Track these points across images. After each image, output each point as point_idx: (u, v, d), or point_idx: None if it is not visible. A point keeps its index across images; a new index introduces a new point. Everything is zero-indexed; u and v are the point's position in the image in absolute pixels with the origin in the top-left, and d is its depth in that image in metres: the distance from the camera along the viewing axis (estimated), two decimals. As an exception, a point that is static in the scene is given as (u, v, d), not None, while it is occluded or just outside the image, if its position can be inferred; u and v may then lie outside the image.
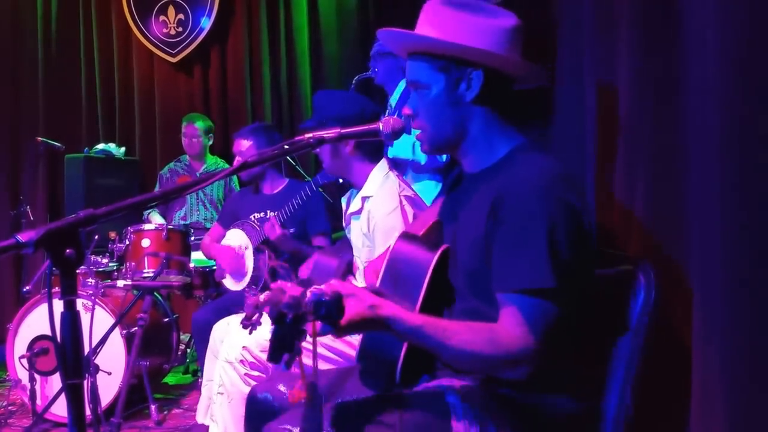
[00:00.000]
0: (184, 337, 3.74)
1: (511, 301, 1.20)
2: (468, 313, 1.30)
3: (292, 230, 2.83)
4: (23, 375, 3.02)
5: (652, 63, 1.45)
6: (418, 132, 1.43)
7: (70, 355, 1.03)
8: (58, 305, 1.07)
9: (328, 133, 1.35)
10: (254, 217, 3.06)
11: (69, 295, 1.05)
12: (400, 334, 1.21)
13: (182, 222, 3.96)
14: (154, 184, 4.34)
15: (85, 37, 4.79)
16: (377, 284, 1.35)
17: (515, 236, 1.21)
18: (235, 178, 4.06)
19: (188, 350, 3.81)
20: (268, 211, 3.04)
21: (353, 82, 3.53)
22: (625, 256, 1.47)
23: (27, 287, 3.35)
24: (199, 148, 4.13)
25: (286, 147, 1.35)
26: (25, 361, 2.98)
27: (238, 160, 3.07)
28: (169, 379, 3.67)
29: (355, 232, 2.04)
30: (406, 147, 3.13)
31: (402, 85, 3.41)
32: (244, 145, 3.10)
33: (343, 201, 2.16)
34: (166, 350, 3.35)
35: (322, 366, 1.99)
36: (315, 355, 1.17)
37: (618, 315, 1.32)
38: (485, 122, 1.35)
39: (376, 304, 1.17)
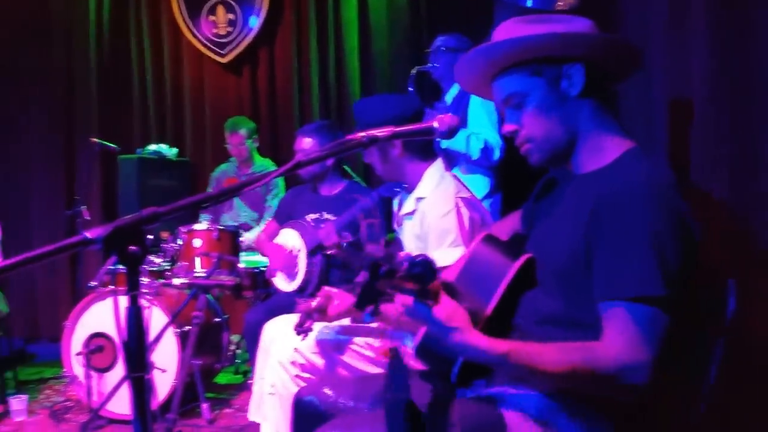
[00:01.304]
0: (234, 338, 3.84)
1: (619, 309, 1.17)
2: (553, 319, 1.29)
3: (348, 237, 2.82)
4: (79, 372, 3.18)
5: (728, 62, 1.43)
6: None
7: (133, 349, 1.09)
8: (117, 301, 1.12)
9: (381, 132, 1.34)
10: (310, 217, 3.08)
11: (133, 291, 1.11)
12: (484, 361, 1.22)
13: (231, 223, 4.07)
14: (205, 185, 4.46)
15: (136, 39, 4.97)
16: (453, 280, 1.35)
17: (623, 243, 1.19)
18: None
19: (238, 351, 3.91)
20: (324, 213, 3.06)
21: (413, 72, 3.55)
22: (711, 261, 1.45)
23: (93, 282, 3.49)
24: (246, 153, 4.19)
25: (338, 147, 1.36)
26: (81, 358, 3.14)
27: (298, 157, 3.09)
28: (220, 379, 3.78)
29: (408, 233, 2.04)
30: (459, 139, 3.16)
31: (457, 85, 3.44)
32: (306, 142, 3.11)
33: (396, 201, 2.18)
34: (217, 350, 3.46)
35: (372, 370, 2.03)
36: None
37: (707, 321, 1.31)
38: (594, 116, 1.34)
39: (462, 327, 1.19)
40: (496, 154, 3.22)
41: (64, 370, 3.35)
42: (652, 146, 1.89)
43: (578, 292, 1.25)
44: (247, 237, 3.77)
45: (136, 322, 1.10)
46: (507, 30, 1.35)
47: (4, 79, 5.12)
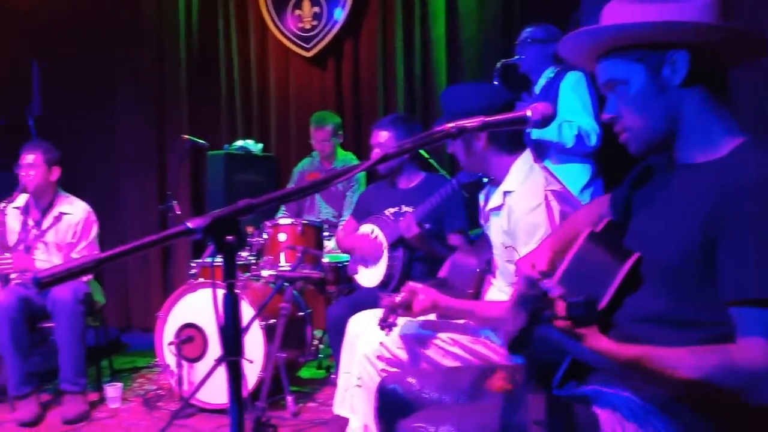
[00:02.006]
0: (317, 332, 3.94)
1: (758, 310, 1.13)
2: (656, 318, 1.27)
3: (427, 226, 2.84)
4: (171, 361, 3.36)
5: None
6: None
7: (229, 334, 1.16)
8: (215, 291, 1.19)
9: (470, 122, 1.32)
10: (389, 212, 3.12)
11: (229, 279, 1.18)
12: (610, 367, 1.21)
13: (313, 219, 4.16)
14: (289, 180, 4.57)
15: (224, 37, 5.18)
16: (556, 279, 1.33)
17: (758, 243, 1.14)
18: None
19: (320, 346, 4.01)
20: (403, 206, 3.08)
21: (498, 65, 3.54)
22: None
23: (194, 270, 3.68)
24: (330, 149, 4.25)
25: (425, 138, 1.34)
26: (172, 348, 3.32)
27: (376, 152, 3.12)
28: (303, 373, 3.89)
29: (495, 229, 2.02)
30: (550, 129, 3.11)
31: (547, 74, 3.39)
32: (382, 136, 3.14)
33: (482, 196, 2.15)
34: (301, 344, 3.56)
35: (453, 364, 2.04)
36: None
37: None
38: (700, 105, 1.30)
39: (588, 333, 1.18)
40: (593, 140, 3.14)
41: (157, 359, 3.54)
42: (765, 138, 1.79)
43: (689, 290, 1.22)
44: (328, 245, 3.84)
45: (232, 308, 1.17)
46: (615, 11, 1.32)
47: (99, 80, 5.49)
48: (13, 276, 3.54)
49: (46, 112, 5.48)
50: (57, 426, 3.22)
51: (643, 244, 1.33)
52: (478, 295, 2.13)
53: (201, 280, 3.50)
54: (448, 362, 2.02)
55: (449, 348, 2.03)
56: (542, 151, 3.27)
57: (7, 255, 3.47)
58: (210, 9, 5.22)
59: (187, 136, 4.54)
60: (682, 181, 1.31)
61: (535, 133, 3.17)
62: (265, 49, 5.09)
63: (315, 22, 4.82)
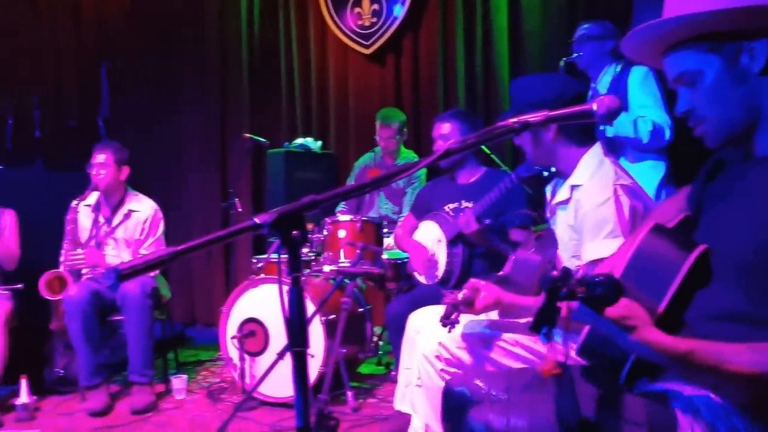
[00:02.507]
0: (376, 329, 3.99)
1: None
2: (731, 316, 1.24)
3: (487, 222, 2.83)
4: (234, 354, 3.47)
5: None
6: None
7: (295, 325, 1.21)
8: (281, 287, 1.23)
9: (534, 117, 1.32)
10: (448, 207, 3.12)
11: (295, 272, 1.22)
12: (663, 360, 1.20)
13: (373, 215, 4.20)
14: (348, 177, 4.63)
15: (284, 36, 5.29)
16: (618, 276, 1.31)
17: None
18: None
19: (380, 343, 4.06)
20: (463, 201, 3.08)
21: (561, 64, 3.50)
22: None
23: (260, 264, 3.79)
24: (395, 146, 4.26)
25: (488, 132, 1.33)
26: (235, 342, 3.43)
27: (438, 145, 3.12)
28: (363, 369, 3.95)
29: (561, 224, 2.00)
30: (625, 125, 3.08)
31: (610, 70, 3.35)
32: (445, 128, 3.13)
33: (548, 190, 2.11)
34: (361, 340, 3.62)
35: (517, 365, 2.03)
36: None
37: None
38: None
39: (640, 325, 1.18)
40: (667, 134, 3.11)
41: (220, 352, 3.65)
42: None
43: (765, 286, 1.19)
44: (388, 242, 3.87)
45: (297, 300, 1.22)
46: (679, 2, 1.30)
47: (164, 82, 5.70)
48: (84, 271, 3.72)
49: (114, 113, 5.75)
50: (125, 416, 3.37)
51: (716, 237, 1.30)
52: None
53: (263, 275, 3.59)
54: (512, 363, 2.00)
55: (512, 349, 2.01)
56: (618, 149, 3.23)
57: (79, 251, 3.65)
58: (271, 9, 5.33)
59: (248, 135, 4.67)
60: (760, 174, 1.28)
61: (610, 131, 3.14)
62: (325, 48, 5.16)
63: (374, 19, 4.85)
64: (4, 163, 4.37)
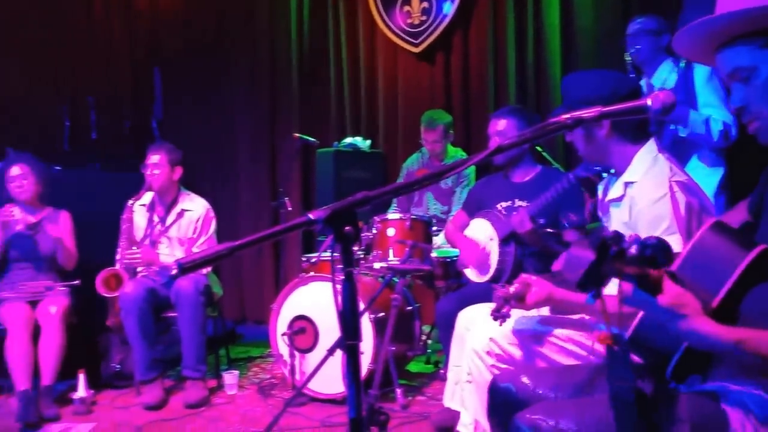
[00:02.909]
0: (425, 327, 4.01)
1: None
2: None
3: (542, 222, 2.79)
4: (284, 351, 3.54)
5: None
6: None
7: (348, 319, 1.24)
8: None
9: (587, 113, 1.31)
10: (501, 206, 3.10)
11: (348, 267, 1.26)
12: (716, 348, 1.20)
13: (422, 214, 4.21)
14: (397, 175, 4.66)
15: (333, 36, 5.35)
16: (674, 268, 1.30)
17: None
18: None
19: (429, 341, 4.07)
20: (516, 200, 3.06)
21: (627, 58, 3.42)
22: None
23: (315, 259, 3.87)
24: (441, 149, 4.25)
25: (540, 129, 1.33)
26: (285, 339, 3.50)
27: (494, 142, 3.10)
28: (412, 367, 3.98)
29: (615, 221, 1.97)
30: (698, 124, 3.06)
31: (666, 66, 3.29)
32: (501, 125, 3.09)
33: (600, 187, 2.10)
34: (410, 338, 3.64)
35: (569, 361, 2.03)
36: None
37: None
38: None
39: (692, 314, 1.18)
40: (733, 132, 3.09)
41: (271, 349, 3.73)
42: None
43: None
44: (437, 241, 3.88)
45: (350, 294, 1.25)
46: None
47: (214, 83, 5.85)
48: (139, 269, 3.85)
49: (167, 114, 5.93)
50: (179, 410, 3.47)
51: None
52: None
53: (312, 273, 3.65)
54: (563, 360, 2.00)
55: (565, 345, 2.01)
56: (690, 148, 3.20)
57: (135, 249, 3.77)
58: (320, 8, 5.41)
59: (298, 135, 4.74)
60: None
61: (682, 131, 3.10)
62: (374, 47, 5.20)
63: (424, 17, 4.87)
64: (62, 165, 4.54)
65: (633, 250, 1.12)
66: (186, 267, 1.13)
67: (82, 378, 3.50)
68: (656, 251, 1.11)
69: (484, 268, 3.07)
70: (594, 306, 1.84)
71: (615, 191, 1.96)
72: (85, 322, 3.84)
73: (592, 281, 1.15)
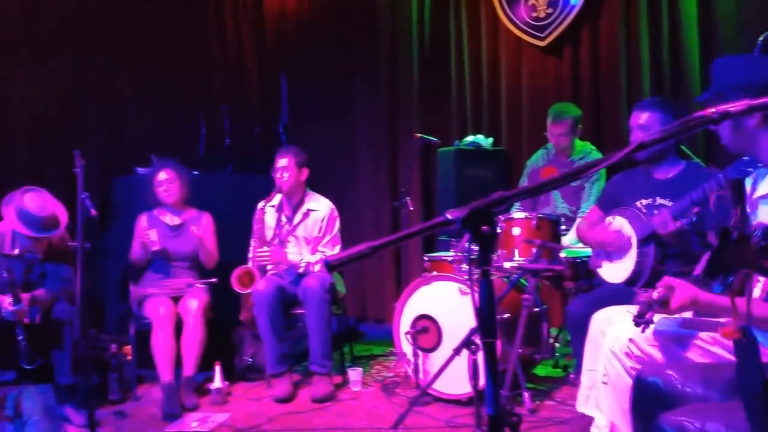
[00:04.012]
0: (553, 330, 3.95)
1: None
2: None
3: (686, 222, 2.65)
4: (407, 350, 3.62)
5: None
6: None
7: (485, 317, 1.28)
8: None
9: (734, 106, 1.26)
10: (641, 203, 2.97)
11: (485, 266, 1.29)
12: None
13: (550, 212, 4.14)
14: (519, 173, 4.61)
15: (455, 34, 5.38)
16: None
17: None
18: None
19: (557, 344, 4.02)
20: (658, 198, 2.93)
21: (759, 40, 3.24)
22: None
23: (455, 256, 3.85)
24: (566, 144, 4.15)
25: (683, 124, 1.29)
26: (409, 338, 3.58)
27: (636, 135, 2.97)
28: (539, 370, 3.94)
29: (764, 218, 1.88)
30: None
31: None
32: (643, 118, 2.95)
33: (748, 182, 2.01)
34: (537, 341, 3.61)
35: (701, 360, 1.97)
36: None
37: None
38: None
39: None
40: None
41: (393, 348, 3.83)
42: None
43: None
44: (565, 241, 3.81)
45: (487, 292, 1.29)
46: None
47: (337, 86, 6.05)
48: (269, 267, 4.07)
49: (293, 119, 6.23)
50: (307, 403, 3.65)
51: None
52: (742, 292, 2.01)
53: (435, 273, 3.71)
54: (707, 362, 1.94)
55: (710, 348, 1.95)
56: None
57: (265, 248, 3.99)
58: (441, 7, 5.46)
59: (419, 134, 4.82)
60: None
61: None
62: (497, 43, 5.17)
63: (550, 10, 4.79)
64: (199, 170, 4.88)
65: (757, 236, 1.08)
66: (333, 265, 1.22)
67: (218, 370, 3.74)
68: None
69: (622, 266, 2.97)
70: (741, 310, 1.78)
71: (763, 187, 1.87)
72: (220, 317, 4.10)
73: (716, 268, 1.13)
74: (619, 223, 2.99)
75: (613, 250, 2.99)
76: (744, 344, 1.11)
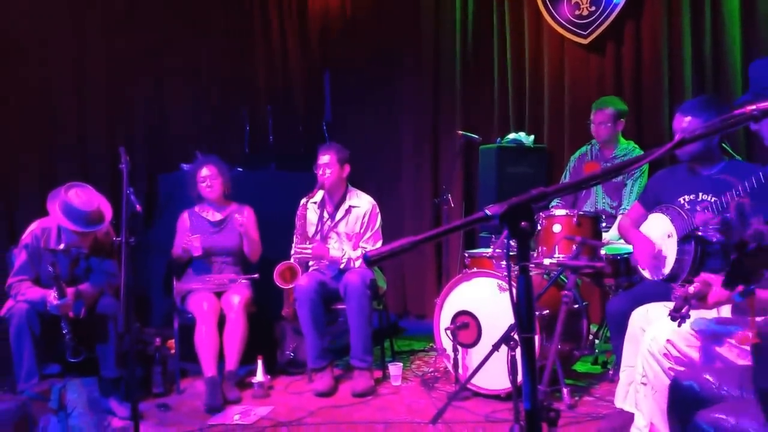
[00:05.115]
0: (593, 326, 3.93)
1: None
2: None
3: (729, 218, 2.63)
4: (447, 345, 3.65)
5: None
6: None
7: (524, 312, 1.30)
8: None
9: None
10: (683, 199, 2.95)
11: (524, 261, 1.31)
12: None
13: (590, 209, 4.13)
14: (560, 171, 4.61)
15: (498, 30, 5.38)
16: None
17: None
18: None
19: (596, 341, 3.99)
20: (701, 194, 2.91)
21: None
22: None
23: (490, 254, 3.86)
24: (606, 135, 4.13)
25: (724, 121, 1.31)
26: (449, 333, 3.60)
27: (679, 138, 2.93)
28: (578, 366, 3.94)
29: None
30: None
31: None
32: (685, 122, 2.92)
33: None
34: (577, 337, 3.60)
35: (738, 360, 1.93)
36: None
37: None
38: None
39: None
40: None
41: (433, 343, 3.85)
42: None
43: None
44: (606, 237, 3.77)
45: (526, 288, 1.31)
46: None
47: (380, 83, 6.09)
48: (311, 263, 4.13)
49: (335, 116, 6.29)
50: (347, 398, 3.69)
51: None
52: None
53: (475, 269, 3.72)
54: (744, 362, 1.93)
55: (746, 347, 1.93)
56: None
57: (308, 244, 4.05)
58: (484, 5, 5.46)
59: (461, 132, 4.83)
60: None
61: None
62: (539, 41, 5.16)
63: (593, 8, 4.75)
64: (244, 167, 4.97)
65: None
66: (372, 261, 1.26)
67: (260, 363, 3.81)
68: None
69: (659, 268, 2.95)
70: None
71: None
72: (263, 312, 4.17)
73: (736, 278, 1.14)
74: (655, 223, 2.97)
75: (650, 254, 2.98)
76: (762, 347, 1.12)
